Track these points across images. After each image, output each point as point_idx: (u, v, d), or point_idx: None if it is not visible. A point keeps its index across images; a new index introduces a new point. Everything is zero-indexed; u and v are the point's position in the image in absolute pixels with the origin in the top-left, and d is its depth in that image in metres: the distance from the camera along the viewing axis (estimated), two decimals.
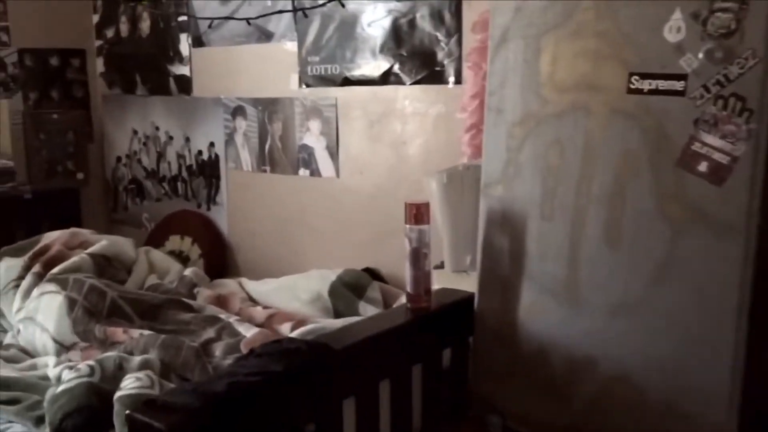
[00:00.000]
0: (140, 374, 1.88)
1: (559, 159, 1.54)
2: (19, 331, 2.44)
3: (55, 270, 2.55)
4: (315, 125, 2.75)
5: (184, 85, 3.22)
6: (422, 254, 1.66)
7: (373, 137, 2.61)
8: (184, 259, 3.13)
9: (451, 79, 2.35)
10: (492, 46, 1.67)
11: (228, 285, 2.76)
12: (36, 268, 2.62)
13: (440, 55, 2.36)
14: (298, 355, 1.39)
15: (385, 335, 1.57)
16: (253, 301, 2.63)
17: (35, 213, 3.39)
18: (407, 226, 1.65)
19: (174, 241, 3.21)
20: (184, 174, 3.30)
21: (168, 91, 3.29)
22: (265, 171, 2.95)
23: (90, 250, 2.72)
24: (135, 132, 3.50)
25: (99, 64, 3.61)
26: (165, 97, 3.31)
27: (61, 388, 1.86)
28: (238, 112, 3.01)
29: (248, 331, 2.20)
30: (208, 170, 3.18)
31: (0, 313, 2.61)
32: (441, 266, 1.90)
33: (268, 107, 2.89)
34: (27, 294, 2.52)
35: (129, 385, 1.84)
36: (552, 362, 1.57)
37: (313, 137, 2.76)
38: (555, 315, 1.56)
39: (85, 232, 2.96)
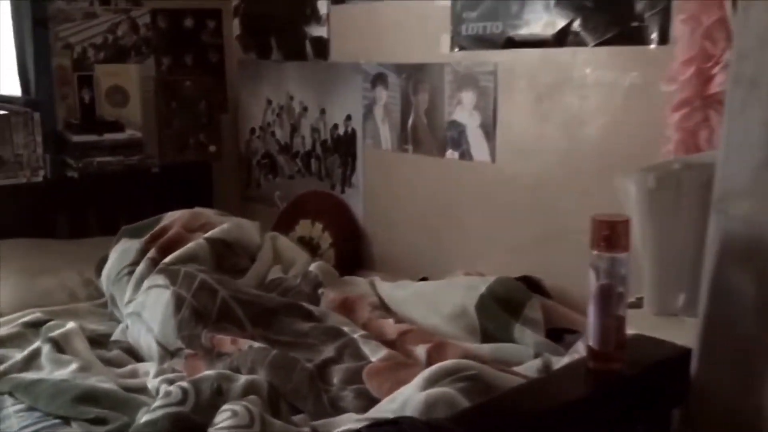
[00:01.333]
0: (238, 407, 1.51)
1: None
2: (127, 326, 2.18)
3: (168, 259, 2.26)
4: (468, 97, 2.25)
5: (321, 48, 2.82)
6: (615, 294, 1.14)
7: (542, 114, 2.07)
8: (313, 248, 2.77)
9: (654, 37, 1.76)
10: None
11: (358, 285, 2.36)
12: (151, 252, 2.36)
13: (639, 6, 1.77)
14: None
15: (553, 414, 1.07)
16: (385, 308, 2.21)
17: (163, 188, 3.17)
18: (594, 252, 1.13)
19: (304, 226, 2.86)
20: (318, 150, 2.93)
21: (303, 55, 2.91)
22: (406, 150, 2.50)
23: (209, 234, 2.42)
24: (269, 102, 3.17)
25: (235, 26, 3.31)
26: (300, 63, 2.94)
27: (145, 418, 1.54)
28: (378, 80, 2.57)
29: (374, 354, 1.79)
30: (344, 147, 2.79)
31: (113, 302, 2.37)
32: (637, 304, 1.36)
33: (413, 75, 2.43)
34: (138, 284, 2.25)
35: (224, 421, 1.49)
36: None
37: (464, 112, 2.26)
38: None
39: (208, 213, 2.68)
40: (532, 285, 2.04)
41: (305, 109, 2.96)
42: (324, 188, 2.90)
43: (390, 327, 1.99)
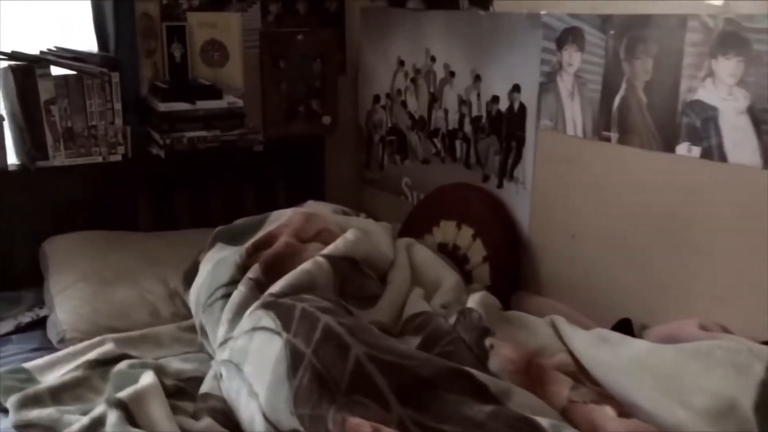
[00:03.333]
0: None
1: None
2: (221, 375, 1.59)
3: (278, 287, 1.64)
4: (726, 68, 1.49)
5: None
6: None
7: None
8: (459, 261, 2.10)
9: None
10: None
11: (535, 328, 1.68)
12: (254, 270, 1.75)
13: None
14: None
15: None
16: (581, 369, 1.53)
17: (267, 170, 2.57)
18: None
19: (446, 230, 2.19)
20: (467, 129, 2.23)
21: (454, 2, 2.20)
22: (608, 139, 1.77)
23: (331, 249, 1.79)
24: (401, 63, 2.48)
25: None
26: (449, 13, 2.23)
27: None
28: (568, 38, 1.83)
29: None
30: (507, 127, 2.08)
31: (203, 332, 1.79)
32: None
33: (629, 31, 1.68)
34: (237, 314, 1.65)
35: None
36: None
37: (719, 90, 1.51)
38: None
39: (324, 213, 2.05)
40: None
41: (452, 74, 2.25)
42: (473, 180, 2.21)
43: (610, 423, 1.31)
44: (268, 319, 1.52)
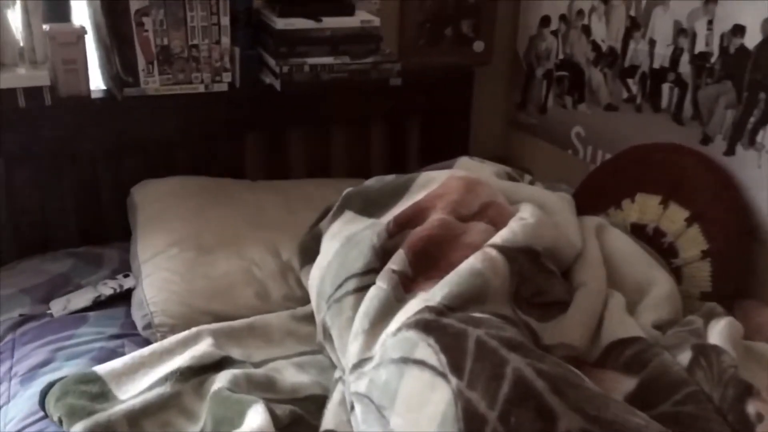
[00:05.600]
0: None
1: None
2: (352, 408, 1.15)
3: (438, 296, 1.16)
4: None
5: None
6: None
7: None
8: (663, 252, 1.54)
9: None
10: None
11: None
12: (398, 260, 1.28)
13: None
14: None
15: None
16: None
17: (401, 110, 2.06)
18: None
19: (646, 206, 1.62)
20: (684, 70, 1.63)
21: None
22: None
23: (504, 237, 1.29)
24: None
25: None
26: None
27: None
28: None
29: None
30: (752, 72, 1.47)
31: (326, 335, 1.34)
32: None
33: None
34: (377, 325, 1.20)
35: None
36: None
37: None
38: None
39: (487, 177, 1.55)
40: None
41: None
42: (687, 141, 1.63)
43: None
44: (426, 350, 1.04)
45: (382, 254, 1.32)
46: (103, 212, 1.81)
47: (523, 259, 1.27)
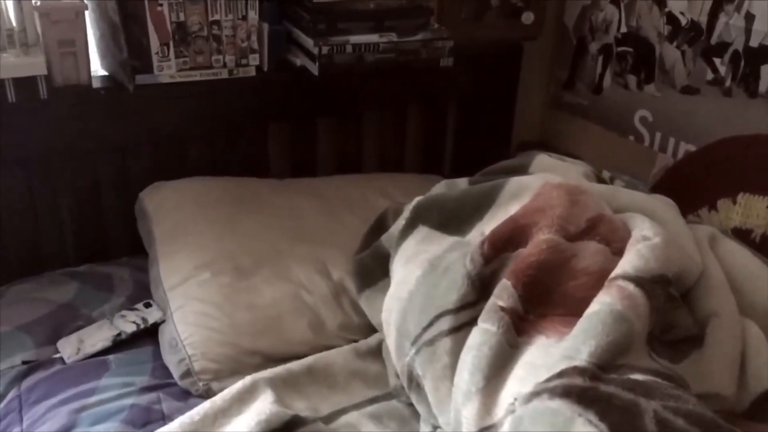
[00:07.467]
0: None
1: None
2: None
3: (585, 353, 0.92)
4: None
5: None
6: None
7: None
8: None
9: None
10: None
11: None
12: (505, 293, 1.06)
13: None
14: None
15: None
16: None
17: (450, 90, 1.81)
18: None
19: (750, 209, 1.42)
20: None
21: None
22: None
23: (636, 266, 1.06)
24: None
25: None
26: None
27: None
28: None
29: None
30: None
31: (412, 381, 1.10)
32: None
33: None
34: (492, 381, 0.97)
35: None
36: None
37: None
38: None
39: (579, 180, 1.32)
40: None
41: None
42: None
43: None
44: (587, 428, 0.82)
45: (480, 284, 1.09)
46: (106, 221, 1.52)
47: (659, 291, 1.04)
